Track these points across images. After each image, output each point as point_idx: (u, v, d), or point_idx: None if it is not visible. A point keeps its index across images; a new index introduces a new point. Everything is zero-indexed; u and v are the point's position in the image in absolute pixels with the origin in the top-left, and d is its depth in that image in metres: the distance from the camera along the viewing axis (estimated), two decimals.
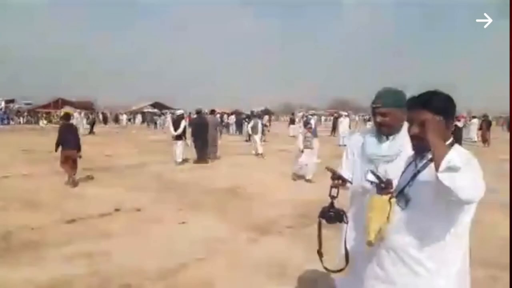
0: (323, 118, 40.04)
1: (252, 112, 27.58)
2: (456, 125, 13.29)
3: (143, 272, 3.77)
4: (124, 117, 42.56)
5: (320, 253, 2.06)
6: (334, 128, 24.23)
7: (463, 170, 1.34)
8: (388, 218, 1.64)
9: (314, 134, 12.74)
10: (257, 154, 13.73)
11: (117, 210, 6.06)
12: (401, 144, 2.04)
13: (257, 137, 14.23)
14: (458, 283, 1.61)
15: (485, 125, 19.28)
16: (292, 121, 26.40)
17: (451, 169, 1.34)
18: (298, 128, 22.96)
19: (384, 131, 2.12)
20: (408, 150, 1.81)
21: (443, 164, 1.36)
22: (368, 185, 1.85)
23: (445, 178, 1.35)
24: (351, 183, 2.10)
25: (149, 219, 5.62)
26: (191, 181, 8.75)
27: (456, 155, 1.37)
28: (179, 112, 12.84)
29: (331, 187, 2.02)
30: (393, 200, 1.66)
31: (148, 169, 10.54)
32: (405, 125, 1.83)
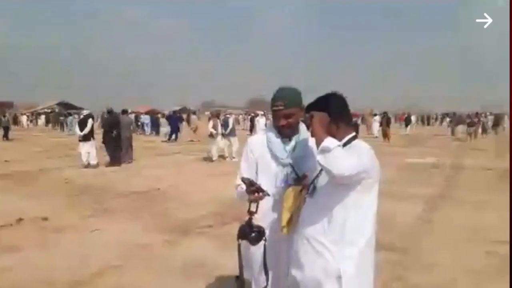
0: (240, 117, 40.49)
1: (174, 111, 26.64)
2: (355, 122, 14.52)
3: (51, 286, 3.52)
4: (24, 118, 38.54)
5: (241, 281, 1.94)
6: (252, 127, 24.64)
7: (334, 151, 1.59)
8: (298, 207, 1.83)
9: (233, 134, 12.91)
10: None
11: (20, 220, 5.55)
12: (306, 143, 2.06)
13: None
14: (362, 265, 1.76)
15: (385, 122, 21.14)
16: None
17: (324, 150, 1.61)
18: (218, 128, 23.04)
19: (287, 132, 2.06)
20: (314, 146, 1.91)
21: (320, 148, 1.63)
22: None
23: (320, 158, 1.62)
24: (269, 195, 1.92)
25: (58, 228, 5.25)
26: (103, 185, 8.32)
27: (330, 141, 1.62)
28: (85, 111, 12.10)
29: (250, 201, 1.88)
30: (304, 191, 1.85)
31: (54, 174, 9.78)
32: (302, 123, 2.03)
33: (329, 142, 1.63)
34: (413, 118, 40.43)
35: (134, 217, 5.81)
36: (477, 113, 26.15)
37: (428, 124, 43.90)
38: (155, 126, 26.06)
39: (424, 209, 6.26)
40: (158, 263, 4.09)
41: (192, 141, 19.59)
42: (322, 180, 1.80)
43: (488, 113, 26.64)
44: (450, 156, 13.49)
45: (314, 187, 1.84)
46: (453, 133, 23.66)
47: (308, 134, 1.91)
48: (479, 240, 4.74)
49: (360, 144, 1.79)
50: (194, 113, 28.54)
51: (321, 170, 1.78)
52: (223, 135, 12.66)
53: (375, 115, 24.96)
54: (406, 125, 28.24)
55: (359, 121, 15.61)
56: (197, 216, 5.80)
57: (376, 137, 21.75)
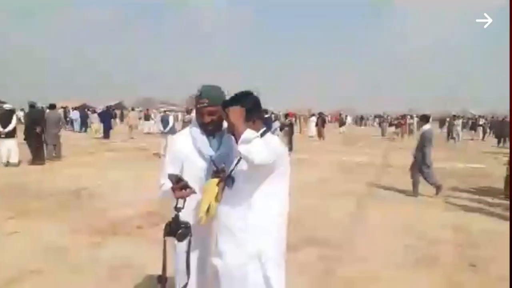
0: (180, 114, 39.49)
1: (107, 107, 25.28)
2: (290, 121, 14.97)
3: None
4: None
5: (163, 279, 1.93)
6: None
7: (254, 142, 1.71)
8: (216, 197, 1.90)
9: (173, 132, 12.69)
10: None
11: None
12: (230, 139, 2.03)
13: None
14: (280, 245, 1.93)
15: (320, 122, 21.97)
16: (146, 117, 25.37)
17: (245, 141, 1.71)
18: (154, 125, 22.39)
19: (212, 129, 2.09)
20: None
21: (241, 139, 1.73)
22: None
23: (241, 148, 1.72)
24: (195, 192, 1.93)
25: None
26: (26, 185, 7.72)
27: (250, 132, 1.74)
28: (7, 106, 11.07)
29: (177, 198, 1.88)
30: (222, 183, 1.93)
31: None
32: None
33: (249, 133, 1.74)
34: (349, 118, 42.40)
35: (59, 219, 5.45)
36: (404, 115, 28.12)
37: (361, 124, 46.28)
38: (85, 122, 24.77)
39: (356, 205, 6.57)
40: (83, 266, 3.88)
41: (132, 138, 18.98)
42: (240, 170, 1.90)
43: (414, 115, 28.79)
44: (379, 155, 14.32)
45: (232, 178, 1.93)
46: (383, 133, 25.29)
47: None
48: (402, 235, 5.08)
49: (271, 137, 1.95)
50: (132, 109, 27.43)
51: (238, 161, 1.90)
52: (162, 133, 12.29)
53: (312, 115, 25.89)
54: (340, 125, 29.67)
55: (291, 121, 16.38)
56: (126, 217, 5.58)
57: (312, 136, 22.49)
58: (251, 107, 1.90)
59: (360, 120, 48.45)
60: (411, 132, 24.95)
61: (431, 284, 3.65)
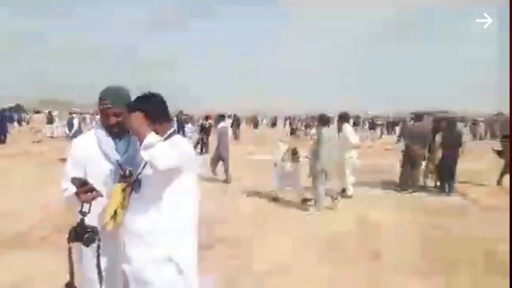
0: (88, 117, 36.99)
1: (3, 109, 22.75)
2: (210, 124, 15.08)
3: None
4: None
5: (71, 286, 1.86)
6: None
7: (157, 147, 1.72)
8: (122, 203, 1.88)
9: (79, 135, 11.78)
10: None
11: None
12: (137, 142, 2.01)
13: None
14: (187, 252, 1.93)
15: (235, 123, 22.51)
16: (50, 121, 23.39)
17: (147, 146, 1.72)
18: (57, 129, 20.80)
19: (118, 131, 2.04)
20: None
21: (143, 144, 1.74)
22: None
23: (144, 154, 1.73)
24: (102, 196, 1.86)
25: None
26: None
27: (152, 137, 1.74)
28: None
29: (82, 202, 1.80)
30: (129, 187, 1.91)
31: None
32: None
33: (152, 138, 1.74)
34: (265, 120, 43.85)
35: None
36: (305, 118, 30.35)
37: (274, 126, 47.85)
38: None
39: (264, 202, 6.89)
40: None
41: (36, 142, 17.46)
42: (146, 174, 1.89)
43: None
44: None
45: (139, 182, 1.92)
46: (291, 133, 26.65)
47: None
48: (306, 228, 5.50)
49: (179, 138, 1.98)
50: (38, 112, 25.04)
51: (145, 165, 1.87)
52: (67, 136, 11.52)
53: (228, 116, 26.36)
54: (255, 127, 30.63)
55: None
56: (28, 228, 5.21)
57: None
58: (155, 110, 1.91)
59: (273, 122, 50.21)
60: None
61: (335, 274, 3.95)
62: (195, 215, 1.99)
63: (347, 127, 7.48)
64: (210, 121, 15.51)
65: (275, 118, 51.80)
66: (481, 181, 9.01)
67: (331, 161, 6.35)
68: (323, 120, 6.57)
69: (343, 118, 7.69)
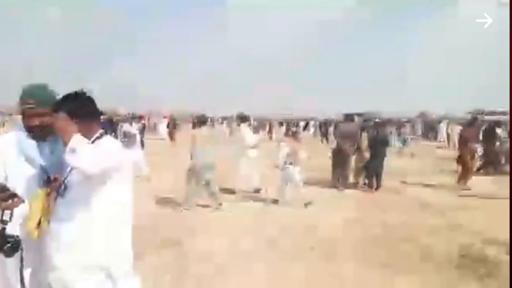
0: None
1: None
2: (144, 124, 14.69)
3: None
4: None
5: None
6: None
7: (83, 150, 1.61)
8: (47, 209, 1.77)
9: None
10: None
11: None
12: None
13: None
14: (120, 258, 1.86)
15: (172, 124, 22.13)
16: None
17: (71, 150, 1.61)
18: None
19: (42, 133, 1.92)
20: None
21: (68, 148, 1.62)
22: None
23: (69, 157, 1.62)
24: (24, 201, 1.77)
25: None
26: None
27: (77, 140, 1.63)
28: None
29: (3, 209, 1.69)
30: (54, 192, 1.81)
31: None
32: None
33: (76, 141, 1.63)
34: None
35: None
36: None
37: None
38: None
39: (207, 204, 6.83)
40: None
41: None
42: (73, 179, 1.80)
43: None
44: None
45: (65, 187, 1.81)
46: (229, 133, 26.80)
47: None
48: (252, 227, 5.59)
49: (109, 141, 1.87)
50: None
51: (71, 169, 1.78)
52: None
53: (164, 117, 25.83)
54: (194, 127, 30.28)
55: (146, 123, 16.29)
56: None
57: (164, 139, 22.32)
58: (81, 109, 1.78)
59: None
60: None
61: (271, 269, 4.06)
62: (129, 220, 1.92)
63: (243, 128, 8.02)
64: (144, 122, 15.06)
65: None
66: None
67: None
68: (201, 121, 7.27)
69: (241, 119, 8.34)
